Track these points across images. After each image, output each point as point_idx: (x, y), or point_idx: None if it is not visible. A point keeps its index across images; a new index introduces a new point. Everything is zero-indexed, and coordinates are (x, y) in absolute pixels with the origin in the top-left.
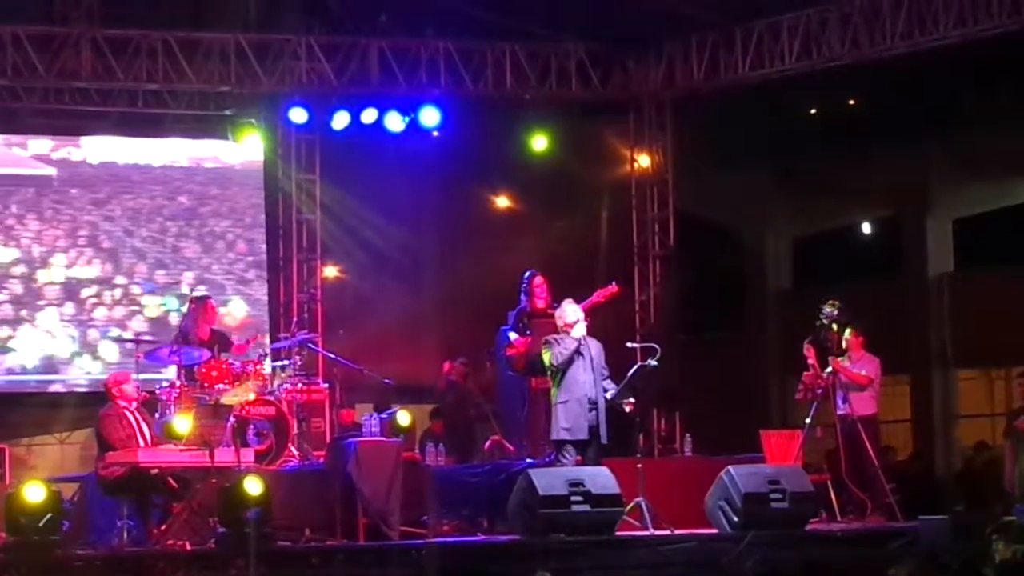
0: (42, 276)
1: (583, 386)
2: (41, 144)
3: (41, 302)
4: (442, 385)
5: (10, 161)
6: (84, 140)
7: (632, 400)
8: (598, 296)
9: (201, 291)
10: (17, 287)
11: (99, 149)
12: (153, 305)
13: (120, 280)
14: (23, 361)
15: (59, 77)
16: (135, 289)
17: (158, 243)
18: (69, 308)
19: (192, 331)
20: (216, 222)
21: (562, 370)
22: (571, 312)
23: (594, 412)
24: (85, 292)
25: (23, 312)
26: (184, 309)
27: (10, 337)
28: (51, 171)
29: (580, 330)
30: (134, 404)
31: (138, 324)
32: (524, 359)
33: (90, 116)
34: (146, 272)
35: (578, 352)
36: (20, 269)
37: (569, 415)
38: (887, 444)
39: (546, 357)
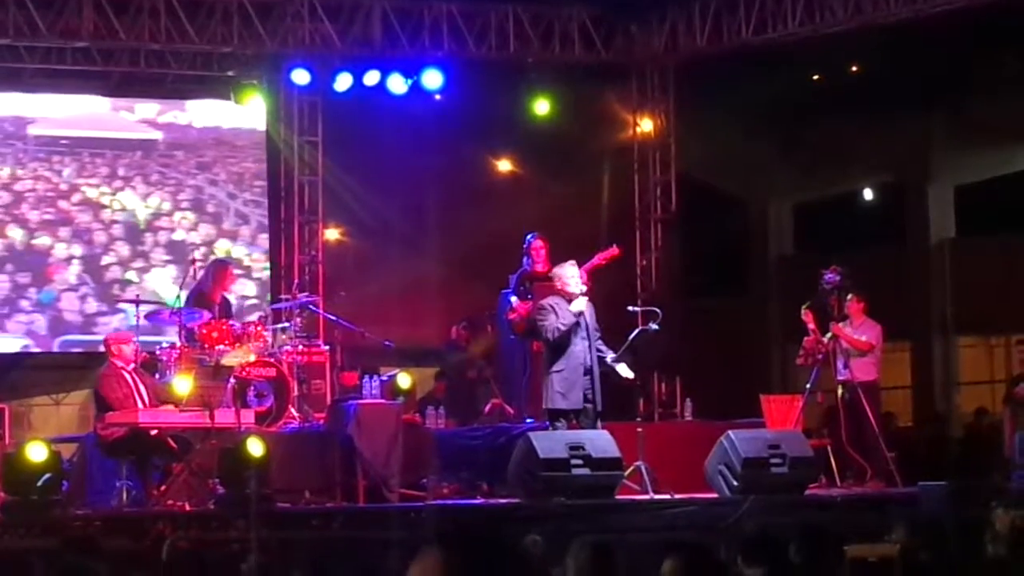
0: (148, 239)
1: (579, 355)
2: (148, 108)
3: (147, 264)
4: (445, 347)
5: (117, 125)
6: (189, 104)
7: (631, 373)
8: (599, 258)
9: (222, 254)
10: (124, 250)
11: (204, 113)
12: (257, 268)
13: (224, 244)
14: (131, 322)
15: (61, 36)
16: (239, 252)
17: (261, 207)
18: (173, 270)
19: (208, 292)
20: None
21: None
22: (572, 280)
23: (588, 378)
24: (191, 255)
25: (129, 275)
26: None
27: (118, 298)
28: (157, 135)
29: (580, 305)
30: (132, 365)
31: (240, 287)
32: (525, 323)
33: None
34: (249, 236)
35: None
36: (126, 232)
37: (565, 384)
38: (887, 410)
39: (541, 325)
